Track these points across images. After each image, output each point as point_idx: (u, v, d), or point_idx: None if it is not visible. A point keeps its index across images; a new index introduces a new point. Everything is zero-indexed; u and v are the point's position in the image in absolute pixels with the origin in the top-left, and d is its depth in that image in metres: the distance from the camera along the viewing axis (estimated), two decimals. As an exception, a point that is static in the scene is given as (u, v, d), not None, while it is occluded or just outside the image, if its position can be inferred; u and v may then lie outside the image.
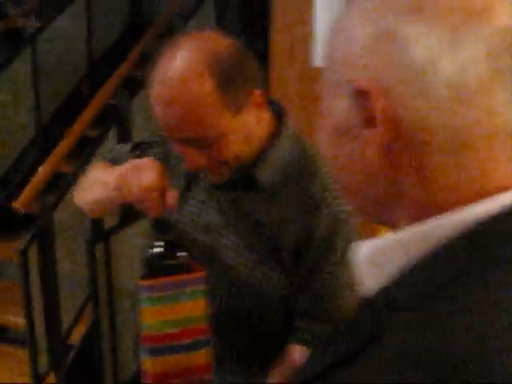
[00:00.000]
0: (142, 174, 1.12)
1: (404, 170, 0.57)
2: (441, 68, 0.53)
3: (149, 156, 1.27)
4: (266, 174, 1.20)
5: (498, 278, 0.50)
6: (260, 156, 1.20)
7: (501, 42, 0.52)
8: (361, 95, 0.56)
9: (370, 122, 0.56)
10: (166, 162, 1.29)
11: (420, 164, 0.56)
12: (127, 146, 1.41)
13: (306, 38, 1.95)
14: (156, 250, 1.13)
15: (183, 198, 1.26)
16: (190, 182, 1.30)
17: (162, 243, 1.13)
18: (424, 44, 0.53)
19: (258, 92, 1.17)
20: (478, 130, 0.54)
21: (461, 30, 0.53)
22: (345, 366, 0.54)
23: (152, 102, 1.14)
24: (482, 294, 0.49)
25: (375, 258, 0.59)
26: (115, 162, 1.33)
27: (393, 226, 0.61)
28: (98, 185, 1.26)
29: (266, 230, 1.20)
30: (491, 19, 0.53)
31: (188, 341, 1.12)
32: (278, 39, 2.11)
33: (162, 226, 1.16)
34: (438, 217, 0.54)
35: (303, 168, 1.22)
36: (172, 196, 1.11)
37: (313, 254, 1.18)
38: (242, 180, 1.22)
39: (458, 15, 0.53)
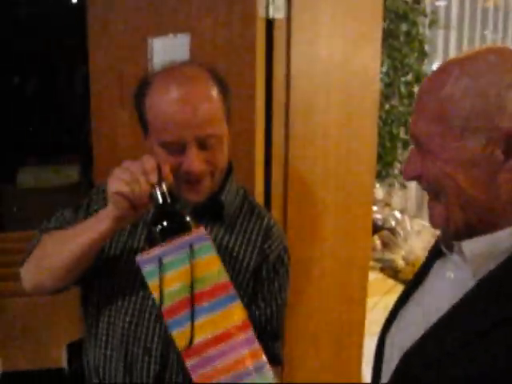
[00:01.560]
0: (138, 163, 1.19)
1: None
2: None
3: (96, 208, 1.40)
4: (227, 201, 1.40)
5: None
6: (222, 185, 1.40)
7: None
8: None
9: (509, 155, 0.87)
10: None
11: None
12: (68, 211, 1.46)
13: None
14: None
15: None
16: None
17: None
18: None
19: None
20: None
21: None
22: (506, 326, 0.82)
23: (165, 105, 1.25)
24: None
25: (489, 250, 0.91)
26: (61, 227, 1.41)
27: (481, 232, 0.92)
28: (84, 230, 1.27)
29: (228, 254, 1.37)
30: None
31: (213, 300, 1.09)
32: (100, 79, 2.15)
33: (166, 204, 1.17)
34: None
35: (251, 204, 1.48)
36: (166, 167, 1.22)
37: (265, 275, 1.41)
38: (210, 205, 1.37)
39: None
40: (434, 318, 0.95)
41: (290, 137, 1.85)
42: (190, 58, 1.85)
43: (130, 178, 1.16)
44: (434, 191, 0.97)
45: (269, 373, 1.07)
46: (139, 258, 1.11)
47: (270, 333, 1.42)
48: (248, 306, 1.38)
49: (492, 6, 5.08)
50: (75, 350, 1.63)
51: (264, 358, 1.08)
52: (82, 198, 1.49)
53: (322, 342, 2.14)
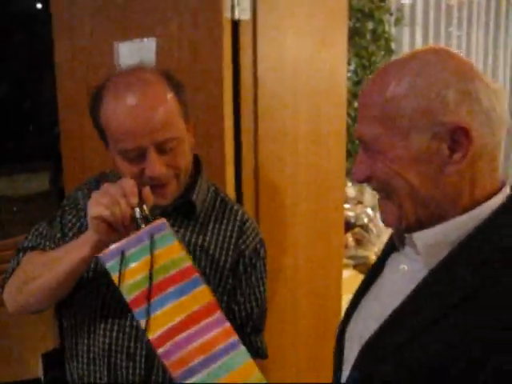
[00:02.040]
0: (117, 185, 1.17)
1: (464, 182, 0.93)
2: (497, 111, 0.91)
3: (69, 218, 1.40)
4: (198, 200, 1.40)
5: None
6: (192, 184, 1.40)
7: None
8: (457, 131, 0.90)
9: (454, 149, 0.91)
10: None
11: (474, 173, 0.93)
12: (43, 226, 1.44)
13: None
14: None
15: None
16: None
17: None
18: (487, 97, 0.90)
19: (192, 121, 1.38)
20: (499, 146, 0.94)
21: (491, 87, 0.92)
22: (458, 310, 0.87)
23: (119, 115, 1.23)
24: None
25: (439, 241, 0.95)
26: (39, 244, 1.40)
27: (431, 224, 0.96)
28: (65, 256, 1.26)
29: (204, 253, 1.38)
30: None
31: (178, 286, 1.10)
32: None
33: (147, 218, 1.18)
34: (478, 207, 0.93)
35: (223, 200, 1.48)
36: (147, 188, 1.20)
37: (242, 270, 1.42)
38: (181, 206, 1.37)
39: (487, 79, 0.93)
40: (390, 309, 0.98)
41: (258, 137, 1.86)
42: (156, 62, 1.85)
43: (109, 201, 1.14)
44: (385, 191, 1.00)
45: (243, 349, 1.07)
46: (101, 254, 1.11)
47: (251, 327, 1.44)
48: (228, 302, 1.40)
49: (456, 4, 5.15)
50: (50, 360, 1.62)
51: (236, 336, 1.08)
52: (54, 205, 1.47)
53: (297, 341, 2.15)
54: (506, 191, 0.98)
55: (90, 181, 1.47)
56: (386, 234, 2.80)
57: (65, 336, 1.45)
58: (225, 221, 1.43)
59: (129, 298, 1.09)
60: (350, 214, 3.06)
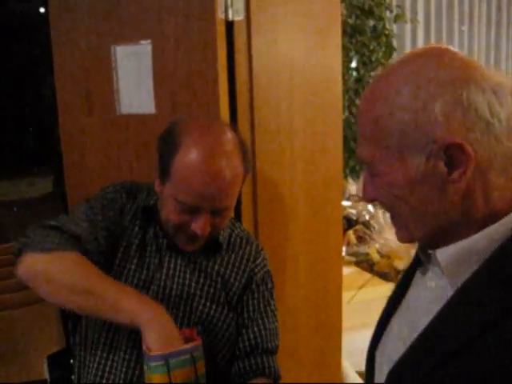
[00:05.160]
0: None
1: (475, 196, 0.85)
2: (501, 116, 0.81)
3: (131, 216, 1.47)
4: (223, 238, 1.54)
5: None
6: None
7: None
8: (450, 147, 0.81)
9: (453, 166, 0.83)
10: (120, 221, 1.46)
11: (486, 186, 0.85)
12: (92, 211, 1.45)
13: (104, 87, 1.99)
14: None
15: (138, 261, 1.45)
16: (142, 245, 1.46)
17: None
18: (485, 103, 0.80)
19: None
20: None
21: (498, 90, 0.82)
22: (491, 332, 0.79)
23: (194, 175, 1.29)
24: None
25: (463, 256, 0.88)
26: (81, 238, 1.39)
27: (451, 240, 0.89)
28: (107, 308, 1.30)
29: (220, 277, 1.50)
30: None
31: None
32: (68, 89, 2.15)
33: None
34: (502, 219, 0.85)
35: (238, 238, 1.58)
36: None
37: (250, 295, 1.53)
38: (210, 245, 1.49)
39: (491, 79, 0.82)
40: (417, 331, 0.93)
41: (255, 136, 1.87)
42: (152, 63, 1.87)
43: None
44: (390, 212, 0.96)
45: None
46: (151, 354, 1.22)
47: (262, 349, 1.50)
48: (237, 323, 1.51)
49: (457, -2, 5.13)
50: (56, 361, 1.65)
51: None
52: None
53: (299, 339, 2.16)
54: None
55: (119, 190, 1.52)
56: (387, 230, 2.81)
57: (75, 337, 1.51)
58: (241, 250, 1.56)
59: None
60: (352, 211, 3.06)
